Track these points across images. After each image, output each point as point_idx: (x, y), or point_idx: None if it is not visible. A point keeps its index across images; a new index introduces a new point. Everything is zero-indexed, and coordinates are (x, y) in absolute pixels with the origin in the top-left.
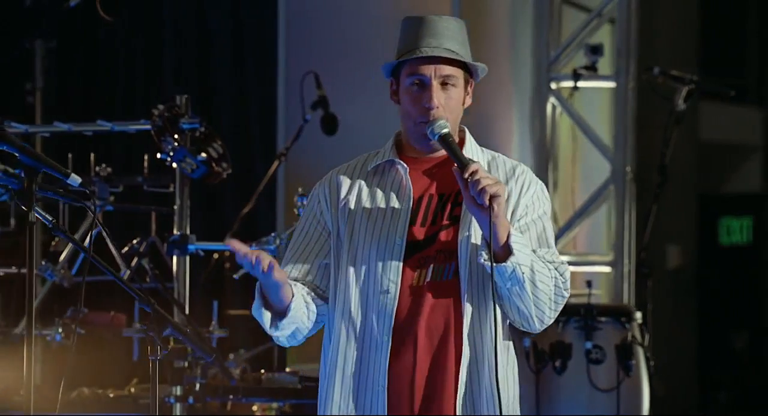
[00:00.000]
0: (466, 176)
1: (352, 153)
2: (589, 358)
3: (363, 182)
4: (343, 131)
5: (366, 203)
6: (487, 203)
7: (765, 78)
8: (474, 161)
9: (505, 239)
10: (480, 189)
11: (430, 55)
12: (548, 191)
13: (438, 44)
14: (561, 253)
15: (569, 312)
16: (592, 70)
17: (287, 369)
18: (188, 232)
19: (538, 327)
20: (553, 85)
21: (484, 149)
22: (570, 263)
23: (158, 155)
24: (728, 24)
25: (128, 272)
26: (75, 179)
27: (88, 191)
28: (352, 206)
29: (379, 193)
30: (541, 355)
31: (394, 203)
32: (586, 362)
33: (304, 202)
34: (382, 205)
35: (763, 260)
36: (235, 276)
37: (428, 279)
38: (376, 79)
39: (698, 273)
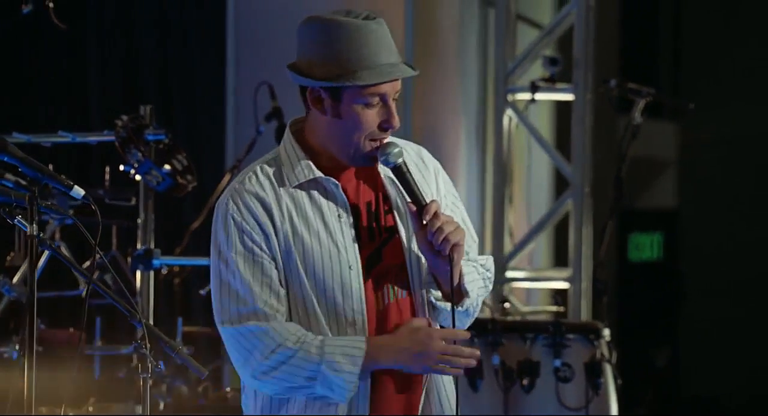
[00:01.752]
0: (426, 220)
1: None
2: (558, 376)
3: (290, 203)
4: None
5: (305, 227)
6: (448, 252)
7: (679, 93)
8: (432, 201)
9: (458, 280)
10: (443, 239)
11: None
12: (505, 205)
13: (396, 60)
14: (516, 268)
15: (537, 329)
16: (550, 82)
17: None
18: (152, 246)
19: None
20: (509, 98)
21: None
22: (526, 279)
23: (121, 167)
24: (644, 40)
25: (87, 288)
26: (78, 192)
27: (93, 206)
28: (292, 232)
29: (317, 214)
30: (510, 373)
31: (336, 223)
32: (554, 380)
33: None
34: (323, 228)
35: (674, 276)
36: (201, 292)
37: (390, 300)
38: None
39: (614, 290)
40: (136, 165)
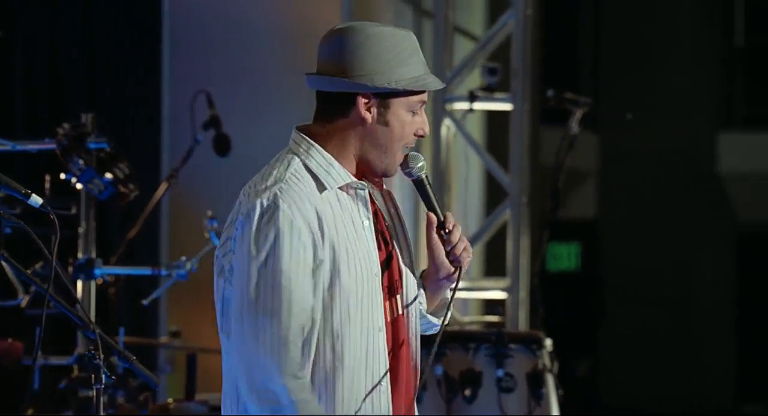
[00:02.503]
0: (449, 229)
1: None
2: (500, 386)
3: (331, 208)
4: (235, 152)
5: (344, 235)
6: (456, 269)
7: (599, 103)
8: (448, 213)
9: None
10: (462, 250)
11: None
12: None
13: (430, 71)
14: None
15: (480, 339)
16: (488, 92)
17: (196, 398)
18: (94, 256)
19: None
20: (447, 107)
21: None
22: (465, 289)
23: (62, 176)
24: (564, 51)
25: (25, 298)
26: (36, 201)
27: (52, 215)
28: (336, 232)
29: (348, 219)
30: (452, 383)
31: (362, 231)
32: (497, 390)
33: (215, 225)
34: (354, 235)
35: (593, 286)
36: (144, 302)
37: (399, 311)
38: (268, 97)
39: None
40: (77, 173)
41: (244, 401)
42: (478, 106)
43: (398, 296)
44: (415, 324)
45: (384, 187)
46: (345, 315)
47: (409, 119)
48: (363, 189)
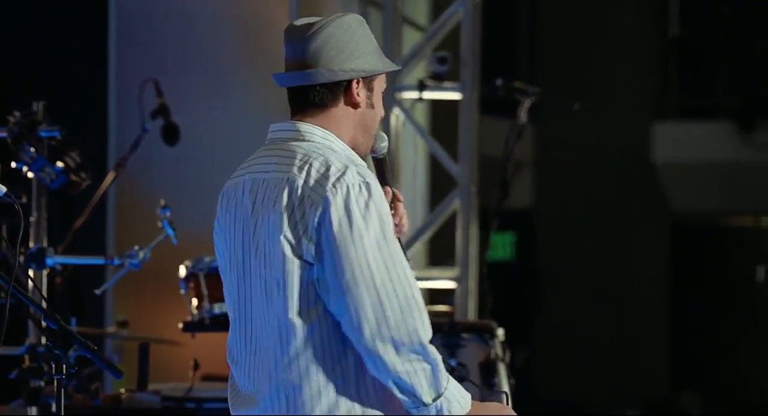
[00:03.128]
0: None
1: (194, 163)
2: (453, 376)
3: None
4: (183, 141)
5: None
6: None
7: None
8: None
9: None
10: (398, 222)
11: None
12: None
13: None
14: None
15: (433, 329)
16: (437, 81)
17: (149, 388)
18: (45, 245)
19: None
20: (397, 96)
21: None
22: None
23: (13, 164)
24: (501, 40)
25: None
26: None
27: (17, 205)
28: None
29: None
30: None
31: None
32: None
33: (168, 214)
34: None
35: (529, 276)
36: (97, 291)
37: None
38: (216, 85)
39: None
40: (29, 162)
41: (359, 382)
42: (428, 95)
43: None
44: None
45: None
46: None
47: (381, 102)
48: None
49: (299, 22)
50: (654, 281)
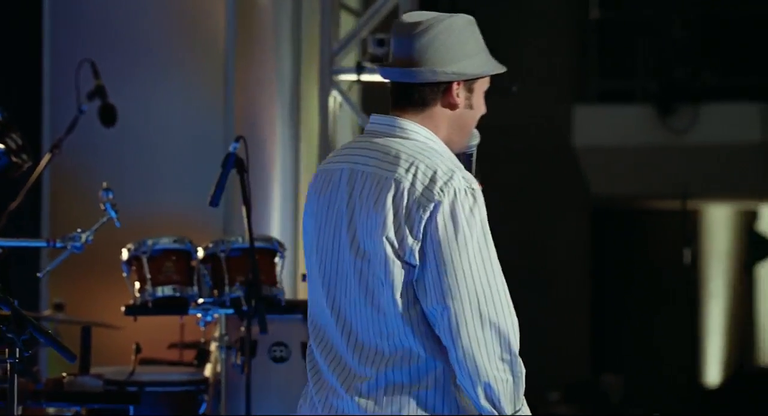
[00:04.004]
0: None
1: (132, 145)
2: None
3: None
4: (121, 122)
5: None
6: None
7: None
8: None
9: None
10: None
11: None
12: None
13: None
14: None
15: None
16: (377, 63)
17: (91, 372)
18: None
19: None
20: (335, 78)
21: None
22: None
23: None
24: None
25: None
26: None
27: None
28: None
29: None
30: None
31: None
32: None
33: (110, 196)
34: None
35: None
36: (39, 274)
37: None
38: (153, 66)
39: None
40: None
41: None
42: (366, 77)
43: None
44: None
45: None
46: None
47: (483, 101)
48: None
49: (408, 17)
50: (575, 264)
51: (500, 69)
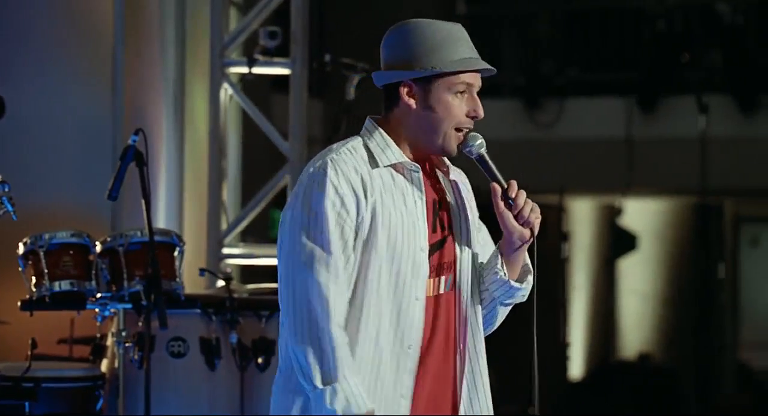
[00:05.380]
0: (513, 195)
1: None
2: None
3: (381, 181)
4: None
5: (390, 205)
6: (530, 231)
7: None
8: (512, 181)
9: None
10: (527, 219)
11: (479, 68)
12: (219, 180)
13: (477, 56)
14: (231, 245)
15: (273, 307)
16: (267, 56)
17: None
18: None
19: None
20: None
21: None
22: (243, 256)
23: None
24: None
25: None
26: None
27: None
28: (381, 203)
29: (400, 196)
30: (245, 351)
31: (413, 208)
32: None
33: (6, 190)
34: (404, 210)
35: None
36: None
37: (441, 290)
38: (42, 57)
39: None
40: None
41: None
42: (258, 70)
43: (444, 277)
44: (466, 308)
45: (452, 175)
46: (374, 272)
47: (455, 102)
48: (417, 172)
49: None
50: None
51: (462, 66)
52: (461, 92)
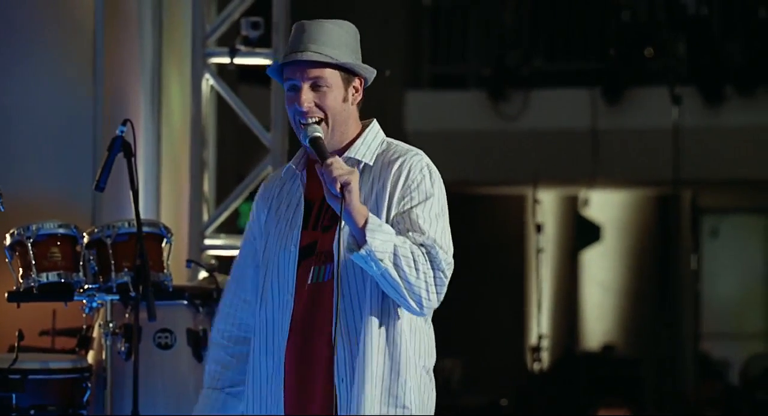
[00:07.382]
0: (321, 168)
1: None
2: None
3: (279, 189)
4: None
5: (276, 209)
6: (338, 191)
7: None
8: (333, 156)
9: (361, 225)
10: (332, 178)
11: (295, 60)
12: (202, 170)
13: (305, 48)
14: (212, 237)
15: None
16: (250, 46)
17: None
18: None
19: (419, 311)
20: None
21: (386, 140)
22: (225, 247)
23: None
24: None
25: None
26: None
27: None
28: (272, 213)
29: (285, 199)
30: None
31: (293, 208)
32: None
33: None
34: (285, 211)
35: None
36: None
37: (310, 282)
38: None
39: None
40: None
41: None
42: (240, 61)
43: (317, 269)
44: (348, 296)
45: (378, 168)
46: (267, 276)
47: (288, 95)
48: (298, 176)
49: None
50: None
51: (283, 60)
52: (292, 89)
